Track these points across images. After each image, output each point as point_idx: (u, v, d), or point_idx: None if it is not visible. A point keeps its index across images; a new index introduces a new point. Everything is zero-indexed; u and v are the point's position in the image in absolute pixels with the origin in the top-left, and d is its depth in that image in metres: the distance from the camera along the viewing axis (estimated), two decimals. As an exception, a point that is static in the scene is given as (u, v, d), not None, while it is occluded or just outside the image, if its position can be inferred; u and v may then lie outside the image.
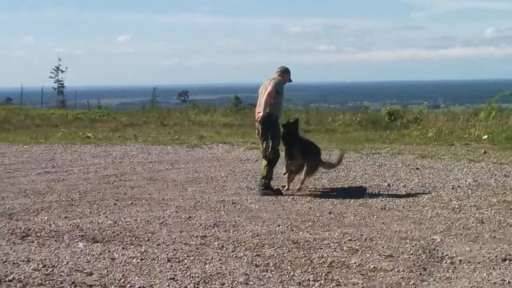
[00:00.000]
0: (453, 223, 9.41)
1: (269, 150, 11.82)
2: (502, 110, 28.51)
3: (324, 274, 7.03)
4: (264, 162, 11.95)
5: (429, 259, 7.56)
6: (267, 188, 11.88)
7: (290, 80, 12.40)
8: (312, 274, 7.04)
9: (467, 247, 8.04)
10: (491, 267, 7.26)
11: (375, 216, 9.87)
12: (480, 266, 7.31)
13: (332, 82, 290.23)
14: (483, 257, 7.64)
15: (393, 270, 7.14)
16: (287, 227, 9.14)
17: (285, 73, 12.28)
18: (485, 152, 17.72)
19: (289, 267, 7.27)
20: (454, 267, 7.27)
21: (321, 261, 7.47)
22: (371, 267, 7.26)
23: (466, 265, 7.35)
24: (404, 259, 7.55)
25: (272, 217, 9.83)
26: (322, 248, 8.01)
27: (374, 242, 8.31)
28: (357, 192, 11.91)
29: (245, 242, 8.33)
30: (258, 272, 7.09)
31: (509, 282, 6.74)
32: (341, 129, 25.26)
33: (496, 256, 7.63)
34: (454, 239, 8.49)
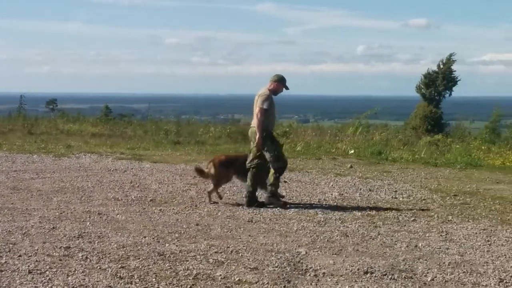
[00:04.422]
0: (318, 236, 9.55)
1: (272, 162, 11.84)
2: (369, 126, 29.33)
3: (189, 286, 7.00)
4: (272, 171, 11.91)
5: (294, 272, 7.63)
6: (274, 196, 11.94)
7: (287, 88, 12.30)
8: (177, 286, 7.00)
9: (331, 260, 8.16)
10: (353, 280, 7.40)
11: (242, 229, 9.90)
12: (343, 278, 7.44)
13: (205, 94, 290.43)
14: (346, 270, 7.77)
15: (257, 283, 7.17)
16: (153, 238, 9.05)
17: (279, 82, 12.15)
18: (351, 167, 18.15)
19: (154, 279, 7.19)
20: (318, 280, 7.37)
21: (186, 274, 7.42)
22: (236, 279, 7.27)
23: (329, 277, 7.46)
24: (269, 272, 7.60)
25: (139, 228, 9.71)
26: (188, 260, 7.97)
27: (240, 254, 8.33)
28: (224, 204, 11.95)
29: (110, 253, 8.20)
30: (122, 284, 6.99)
31: (370, 295, 6.90)
32: (211, 141, 25.26)
33: (358, 269, 7.78)
34: (319, 252, 8.61)
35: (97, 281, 7.05)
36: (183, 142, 24.38)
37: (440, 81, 52.04)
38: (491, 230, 10.33)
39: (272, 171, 11.94)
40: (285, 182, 14.80)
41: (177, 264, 7.81)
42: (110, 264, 7.71)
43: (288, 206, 11.91)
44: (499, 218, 11.34)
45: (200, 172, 12.68)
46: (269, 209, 11.59)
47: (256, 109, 11.91)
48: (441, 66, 53.01)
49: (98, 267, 7.58)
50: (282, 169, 12.05)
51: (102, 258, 7.99)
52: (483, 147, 23.67)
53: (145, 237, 9.13)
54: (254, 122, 12.02)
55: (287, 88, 12.29)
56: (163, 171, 16.22)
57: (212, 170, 12.24)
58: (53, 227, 9.58)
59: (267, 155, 11.88)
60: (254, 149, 12.02)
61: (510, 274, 7.80)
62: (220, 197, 12.29)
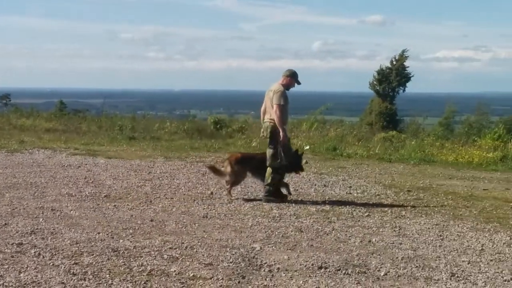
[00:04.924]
0: (273, 231, 9.57)
1: (271, 159, 11.94)
2: (324, 122, 29.52)
3: (143, 282, 6.97)
4: (269, 169, 12.01)
5: (248, 267, 7.65)
6: (271, 195, 11.98)
7: (299, 83, 12.37)
8: (131, 282, 6.96)
9: (285, 255, 8.19)
10: (308, 275, 7.43)
11: (196, 224, 9.88)
12: (297, 274, 7.47)
13: (161, 90, 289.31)
14: (300, 265, 7.81)
15: (212, 278, 7.17)
16: (107, 234, 8.99)
17: (291, 77, 12.21)
18: (306, 162, 18.16)
19: (107, 275, 7.15)
20: (272, 275, 7.39)
21: (140, 270, 7.40)
22: (191, 275, 7.26)
23: (284, 273, 7.49)
24: (224, 267, 7.60)
25: (93, 224, 9.64)
26: (142, 256, 7.94)
27: (195, 250, 8.32)
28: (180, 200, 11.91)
29: (63, 250, 8.13)
30: (76, 280, 6.94)
31: (323, 290, 6.94)
32: (166, 137, 25.18)
33: (312, 264, 7.82)
34: (273, 247, 8.63)
35: (50, 278, 6.99)
36: (138, 137, 24.27)
37: (393, 77, 52.52)
38: (444, 225, 10.44)
39: (269, 170, 12.03)
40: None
41: (131, 260, 7.78)
42: (63, 261, 7.64)
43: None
44: (451, 213, 11.47)
45: (214, 170, 12.88)
46: (223, 205, 11.58)
47: (274, 106, 11.88)
48: (394, 63, 53.49)
49: (51, 264, 7.52)
50: (280, 168, 12.07)
51: (55, 254, 7.92)
52: (436, 143, 23.94)
53: (99, 233, 9.07)
54: (267, 117, 12.12)
55: (299, 83, 12.43)
56: (117, 166, 16.13)
57: (229, 168, 12.29)
58: (5, 223, 9.47)
59: (270, 151, 11.99)
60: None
61: (461, 269, 7.91)
62: (230, 198, 12.30)
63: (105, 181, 13.74)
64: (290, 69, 12.28)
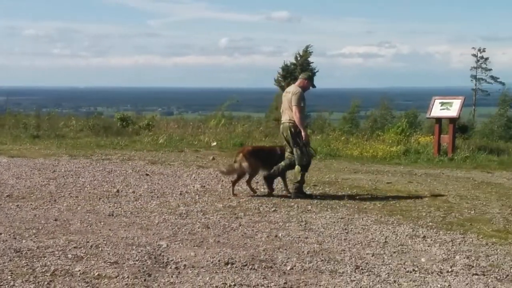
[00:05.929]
0: (180, 228, 9.54)
1: (299, 158, 12.25)
2: (232, 118, 29.61)
3: (46, 283, 6.84)
4: (298, 167, 12.27)
5: (155, 265, 7.60)
6: (300, 192, 12.29)
7: (314, 86, 12.68)
8: (34, 283, 6.83)
9: (192, 252, 8.17)
10: (214, 271, 7.43)
11: (102, 223, 9.76)
12: (204, 270, 7.46)
13: (66, 87, 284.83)
14: (207, 261, 7.80)
15: (117, 277, 7.09)
16: (9, 235, 8.79)
17: (308, 79, 12.60)
18: (213, 159, 18.22)
19: (9, 277, 6.99)
20: (179, 272, 7.36)
21: (44, 270, 7.25)
22: (96, 274, 7.16)
23: (190, 269, 7.47)
24: (130, 266, 7.53)
25: (-6, 225, 9.43)
26: (45, 257, 7.79)
27: (100, 249, 8.22)
28: (86, 199, 11.74)
29: (-37, 252, 7.92)
30: (-24, 283, 6.77)
31: (230, 285, 6.94)
32: (72, 134, 24.80)
33: (219, 260, 7.82)
34: (180, 244, 8.60)
35: (-51, 281, 6.81)
36: (42, 136, 23.83)
37: (298, 73, 52.94)
38: (349, 219, 10.59)
39: (298, 168, 12.34)
40: (147, 175, 14.74)
41: (34, 260, 7.62)
42: (-37, 263, 7.45)
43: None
44: (356, 207, 11.64)
45: (228, 171, 13.01)
46: (130, 202, 11.47)
47: (293, 108, 12.20)
48: (299, 58, 53.96)
49: (-50, 266, 7.32)
50: (307, 165, 12.51)
51: (-45, 256, 7.71)
52: (342, 138, 24.28)
53: (0, 233, 8.86)
54: (286, 118, 12.43)
55: (314, 86, 12.77)
56: (21, 165, 15.79)
57: (244, 162, 12.45)
58: None
59: (297, 151, 12.26)
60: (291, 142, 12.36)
61: (365, 261, 8.04)
62: (254, 191, 12.68)
63: (8, 181, 13.44)
64: (306, 72, 12.72)
